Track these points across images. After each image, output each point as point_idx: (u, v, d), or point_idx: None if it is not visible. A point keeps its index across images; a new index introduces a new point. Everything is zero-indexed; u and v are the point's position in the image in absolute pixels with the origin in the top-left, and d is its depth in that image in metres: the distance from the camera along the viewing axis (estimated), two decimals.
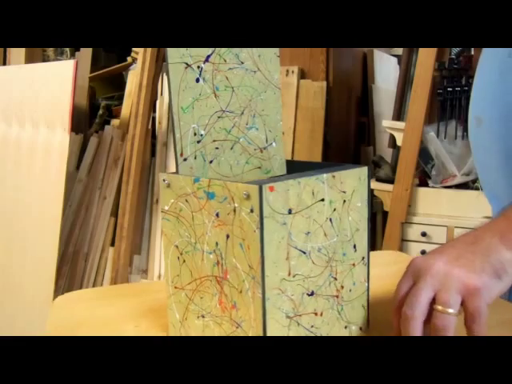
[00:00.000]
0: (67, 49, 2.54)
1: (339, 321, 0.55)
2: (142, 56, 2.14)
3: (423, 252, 1.99)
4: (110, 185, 2.17)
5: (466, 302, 0.50)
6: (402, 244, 2.04)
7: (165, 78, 2.30)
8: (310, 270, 0.52)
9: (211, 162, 0.57)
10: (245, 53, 0.57)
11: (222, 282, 0.52)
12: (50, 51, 2.50)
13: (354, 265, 0.56)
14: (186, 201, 0.54)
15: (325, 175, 0.52)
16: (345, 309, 0.56)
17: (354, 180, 0.54)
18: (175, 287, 0.57)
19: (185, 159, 0.55)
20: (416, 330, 0.51)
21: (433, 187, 2.02)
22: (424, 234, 1.99)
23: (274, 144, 0.60)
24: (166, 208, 0.56)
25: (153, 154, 2.29)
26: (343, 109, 2.61)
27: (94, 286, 2.17)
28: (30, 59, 2.21)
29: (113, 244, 2.17)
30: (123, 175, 2.16)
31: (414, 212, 2.03)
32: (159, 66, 2.21)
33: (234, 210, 0.49)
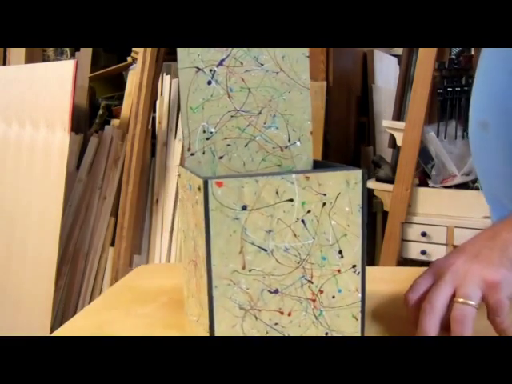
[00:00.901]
0: (67, 49, 2.54)
1: (316, 326, 0.54)
2: (142, 56, 2.14)
3: (423, 252, 1.99)
4: (110, 185, 2.18)
5: (486, 296, 0.51)
6: (402, 244, 2.04)
7: (165, 78, 2.30)
8: (273, 267, 0.52)
9: (221, 157, 0.58)
10: (266, 55, 0.58)
11: (196, 267, 0.55)
12: (50, 51, 2.50)
13: (339, 271, 0.54)
14: (184, 191, 0.58)
15: (294, 175, 0.51)
16: (325, 315, 0.54)
17: (338, 183, 0.53)
18: (184, 268, 0.61)
19: (192, 154, 0.57)
20: (432, 324, 0.51)
21: (433, 187, 2.02)
22: (424, 234, 1.99)
23: (298, 143, 0.60)
24: (180, 196, 0.62)
25: (153, 154, 2.29)
26: (343, 108, 2.61)
27: (93, 286, 2.17)
28: (29, 59, 2.21)
29: (113, 244, 2.17)
30: (123, 175, 2.16)
31: (414, 212, 2.03)
32: (159, 65, 2.21)
33: (196, 202, 0.52)
